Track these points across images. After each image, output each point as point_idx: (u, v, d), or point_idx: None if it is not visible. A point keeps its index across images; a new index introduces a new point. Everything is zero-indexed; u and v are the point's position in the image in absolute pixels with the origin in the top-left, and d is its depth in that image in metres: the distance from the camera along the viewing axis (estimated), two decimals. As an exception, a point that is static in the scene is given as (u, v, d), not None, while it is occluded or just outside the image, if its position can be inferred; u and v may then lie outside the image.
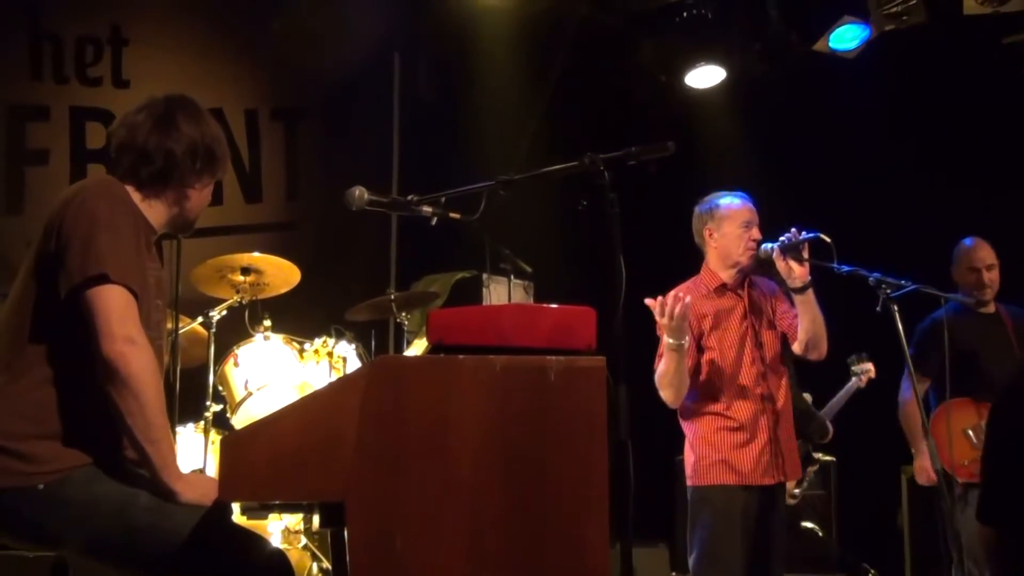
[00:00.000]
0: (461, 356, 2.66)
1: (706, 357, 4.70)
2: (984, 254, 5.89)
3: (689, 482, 4.72)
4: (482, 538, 2.59)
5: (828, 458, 6.62)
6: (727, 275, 4.80)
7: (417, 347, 5.73)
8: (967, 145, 7.31)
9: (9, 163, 7.16)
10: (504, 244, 5.63)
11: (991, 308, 5.91)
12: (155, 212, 3.16)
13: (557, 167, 3.35)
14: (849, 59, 7.22)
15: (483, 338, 2.71)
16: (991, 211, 6.73)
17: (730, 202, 4.85)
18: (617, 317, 2.99)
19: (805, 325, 4.70)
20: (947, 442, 5.48)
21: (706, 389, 4.70)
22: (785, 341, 4.82)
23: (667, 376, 4.55)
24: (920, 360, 5.17)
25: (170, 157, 3.13)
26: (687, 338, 4.46)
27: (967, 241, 5.97)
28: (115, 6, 7.41)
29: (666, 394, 4.62)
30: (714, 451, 4.64)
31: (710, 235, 4.85)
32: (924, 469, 5.71)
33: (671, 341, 4.43)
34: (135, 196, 3.10)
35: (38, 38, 7.26)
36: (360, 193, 3.55)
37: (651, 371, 4.68)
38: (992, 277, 5.86)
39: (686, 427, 4.80)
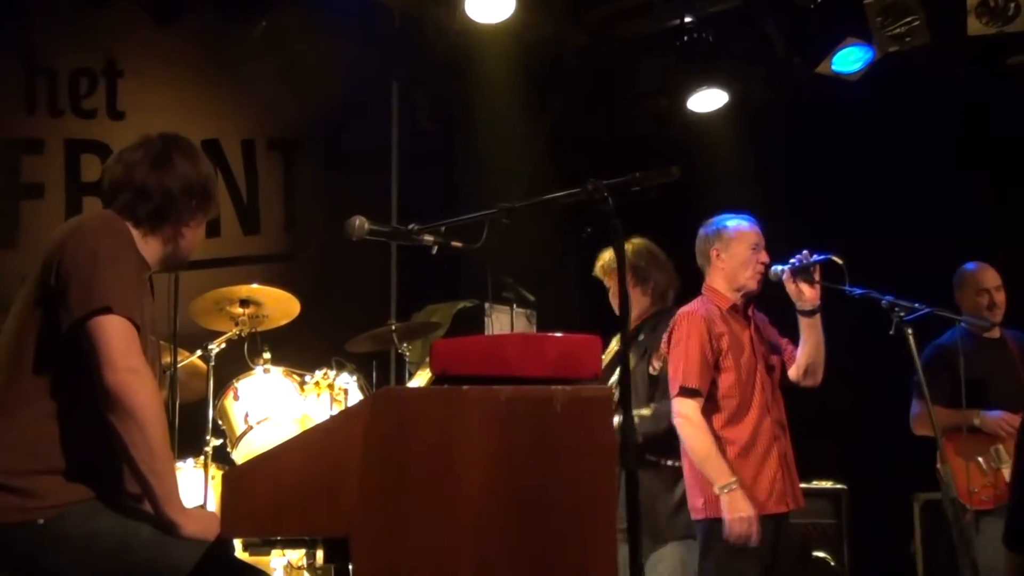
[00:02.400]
0: (465, 387, 2.67)
1: (722, 380, 4.67)
2: (991, 275, 5.89)
3: (698, 514, 4.63)
4: (488, 572, 2.58)
5: (839, 485, 6.59)
6: (734, 298, 4.80)
7: (420, 378, 5.72)
8: (972, 166, 7.32)
9: (4, 197, 7.17)
10: (506, 273, 5.64)
11: (996, 333, 5.90)
12: (151, 250, 3.20)
13: (559, 194, 3.35)
14: (852, 81, 7.24)
15: (487, 368, 2.71)
16: (997, 232, 6.73)
17: (739, 224, 4.85)
18: (623, 344, 2.99)
19: (808, 350, 4.69)
20: (962, 470, 5.47)
21: (720, 414, 4.66)
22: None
23: (702, 457, 4.56)
24: (929, 390, 5.15)
25: (168, 195, 3.17)
26: None
27: (970, 265, 5.97)
28: (110, 38, 7.43)
29: (688, 442, 4.63)
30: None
31: (717, 256, 4.83)
32: (994, 418, 5.63)
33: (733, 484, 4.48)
34: (132, 233, 3.13)
35: (32, 71, 7.29)
36: (360, 223, 3.55)
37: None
38: (1001, 299, 5.86)
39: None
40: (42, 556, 2.83)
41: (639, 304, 5.22)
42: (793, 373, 4.79)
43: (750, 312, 4.84)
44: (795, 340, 4.83)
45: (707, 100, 7.80)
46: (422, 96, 8.11)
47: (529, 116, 7.96)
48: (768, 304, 4.95)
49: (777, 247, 4.87)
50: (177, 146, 3.26)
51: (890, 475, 6.79)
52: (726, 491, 4.46)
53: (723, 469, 4.50)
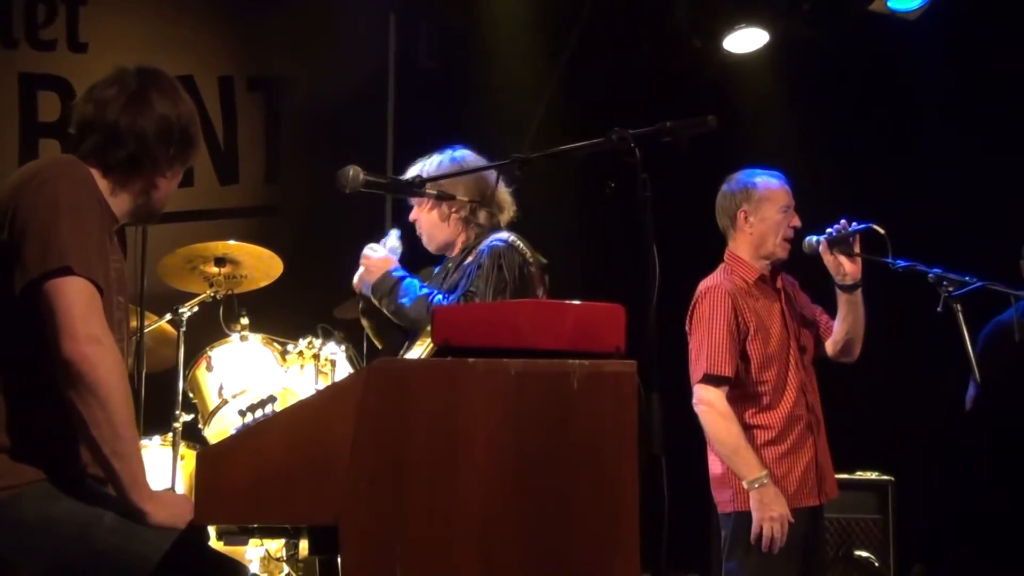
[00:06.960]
0: (471, 359, 2.67)
1: (751, 362, 4.68)
2: None
3: (725, 507, 4.67)
4: (493, 567, 2.59)
5: (885, 477, 6.60)
6: (761, 267, 4.79)
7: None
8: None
9: (-50, 138, 7.19)
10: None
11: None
12: (119, 201, 3.19)
13: (580, 144, 3.34)
14: (910, 21, 7.20)
15: (496, 338, 2.71)
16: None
17: (768, 181, 4.84)
18: (650, 315, 2.98)
19: (846, 327, 4.72)
20: None
21: (750, 400, 4.69)
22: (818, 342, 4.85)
23: (731, 449, 4.57)
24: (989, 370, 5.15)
25: (142, 140, 3.15)
26: None
27: None
28: (71, -42, 7.43)
29: (714, 433, 4.64)
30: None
31: (745, 219, 4.82)
32: None
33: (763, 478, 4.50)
34: (100, 182, 3.12)
35: (-19, -4, 7.30)
36: (355, 173, 3.55)
37: (686, 376, 4.68)
38: None
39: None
40: (-8, 541, 2.84)
41: (441, 233, 4.44)
42: (829, 348, 4.82)
43: (779, 282, 4.83)
44: (829, 310, 4.84)
45: (746, 40, 7.76)
46: (423, 29, 8.07)
47: (544, 54, 7.92)
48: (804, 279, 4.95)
49: (817, 210, 4.86)
50: (155, 82, 3.23)
51: (942, 465, 6.79)
52: (756, 486, 4.49)
53: (753, 462, 4.53)
